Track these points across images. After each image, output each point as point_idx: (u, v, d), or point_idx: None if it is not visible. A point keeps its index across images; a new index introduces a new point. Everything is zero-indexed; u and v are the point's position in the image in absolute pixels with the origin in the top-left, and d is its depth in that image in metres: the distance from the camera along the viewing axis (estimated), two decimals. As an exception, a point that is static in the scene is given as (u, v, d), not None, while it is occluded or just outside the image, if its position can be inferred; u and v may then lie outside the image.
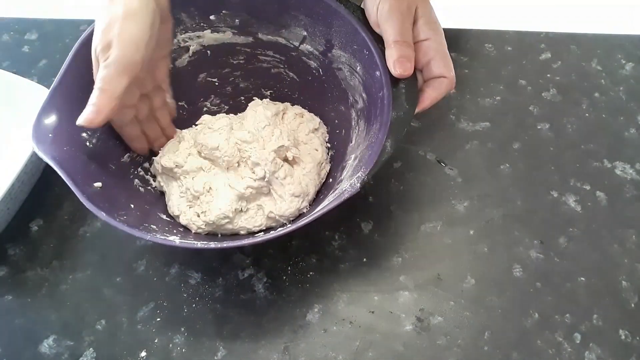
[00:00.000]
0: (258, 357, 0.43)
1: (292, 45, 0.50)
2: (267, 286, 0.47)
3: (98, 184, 0.41)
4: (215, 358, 0.43)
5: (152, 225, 0.43)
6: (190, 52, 0.51)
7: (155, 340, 0.44)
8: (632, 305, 0.46)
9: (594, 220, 0.51)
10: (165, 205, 0.48)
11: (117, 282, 0.47)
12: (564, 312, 0.45)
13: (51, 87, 0.42)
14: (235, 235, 0.47)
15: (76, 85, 0.43)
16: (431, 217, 0.51)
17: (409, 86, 0.41)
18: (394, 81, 0.41)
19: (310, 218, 0.38)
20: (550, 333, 0.44)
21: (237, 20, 0.49)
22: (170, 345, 0.44)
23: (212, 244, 0.40)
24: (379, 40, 0.42)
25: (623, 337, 0.44)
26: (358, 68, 0.45)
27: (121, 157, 0.47)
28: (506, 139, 0.57)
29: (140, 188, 0.47)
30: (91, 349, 0.44)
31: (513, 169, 0.54)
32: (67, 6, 1.34)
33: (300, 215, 0.47)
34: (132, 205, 0.44)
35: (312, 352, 0.43)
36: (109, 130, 0.45)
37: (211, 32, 0.50)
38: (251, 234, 0.46)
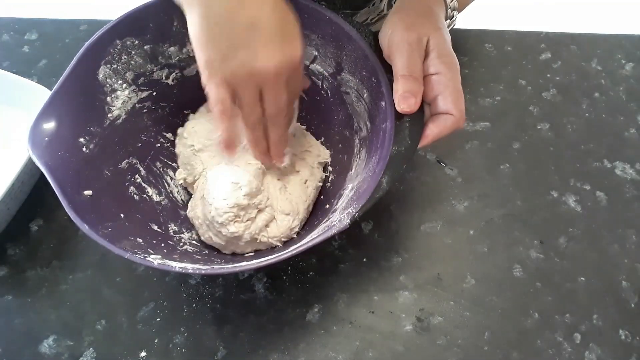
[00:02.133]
0: (258, 357, 0.43)
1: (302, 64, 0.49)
2: (267, 286, 0.47)
3: (88, 192, 0.41)
4: (215, 358, 0.43)
5: (138, 239, 0.41)
6: None
7: (155, 340, 0.44)
8: (632, 305, 0.46)
9: (594, 220, 0.51)
10: (159, 216, 0.47)
11: (117, 282, 0.47)
12: (564, 312, 0.45)
13: (52, 91, 0.41)
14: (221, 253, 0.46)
15: (77, 91, 0.42)
16: (431, 217, 0.51)
17: (414, 120, 0.39)
18: (399, 114, 0.39)
19: (296, 251, 0.36)
20: (550, 333, 0.44)
21: None
22: (170, 345, 0.44)
23: (190, 268, 0.37)
24: (389, 70, 0.41)
25: (623, 337, 0.44)
26: (365, 95, 0.44)
27: (118, 164, 0.46)
28: (506, 139, 0.57)
29: (135, 196, 0.47)
30: (91, 349, 0.44)
31: (513, 169, 0.54)
32: (67, 6, 1.34)
33: (291, 240, 0.46)
34: (122, 215, 0.43)
35: (312, 352, 0.43)
36: (107, 136, 0.45)
37: None
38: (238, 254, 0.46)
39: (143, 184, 0.48)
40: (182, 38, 0.47)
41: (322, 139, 0.52)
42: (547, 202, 0.52)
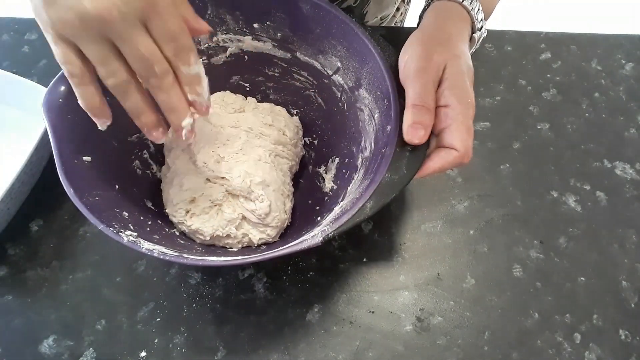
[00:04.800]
0: (258, 357, 0.43)
1: (325, 73, 0.49)
2: (267, 286, 0.47)
3: (87, 158, 0.41)
4: (215, 358, 0.43)
5: (124, 212, 0.41)
6: (228, 52, 0.51)
7: (155, 340, 0.44)
8: (632, 305, 0.46)
9: (594, 220, 0.51)
10: (154, 194, 0.47)
11: (117, 282, 0.47)
12: (564, 312, 0.45)
13: None
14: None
15: None
16: (431, 217, 0.51)
17: (416, 151, 0.37)
18: (402, 141, 0.38)
19: (258, 258, 0.36)
20: (550, 333, 0.44)
21: (279, 34, 0.49)
22: (170, 345, 0.44)
23: (157, 252, 0.37)
24: (403, 94, 0.39)
25: (623, 337, 0.44)
26: (376, 115, 0.43)
27: (128, 136, 0.47)
28: (506, 139, 0.57)
29: (137, 170, 0.47)
30: (91, 349, 0.44)
31: (513, 169, 0.54)
32: (67, 6, 1.34)
33: (273, 243, 0.47)
34: (117, 186, 0.43)
35: (312, 352, 0.43)
36: (123, 109, 0.44)
37: (252, 39, 0.50)
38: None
39: (149, 160, 0.49)
40: (214, 27, 0.48)
41: (331, 150, 0.52)
42: (547, 202, 0.52)
